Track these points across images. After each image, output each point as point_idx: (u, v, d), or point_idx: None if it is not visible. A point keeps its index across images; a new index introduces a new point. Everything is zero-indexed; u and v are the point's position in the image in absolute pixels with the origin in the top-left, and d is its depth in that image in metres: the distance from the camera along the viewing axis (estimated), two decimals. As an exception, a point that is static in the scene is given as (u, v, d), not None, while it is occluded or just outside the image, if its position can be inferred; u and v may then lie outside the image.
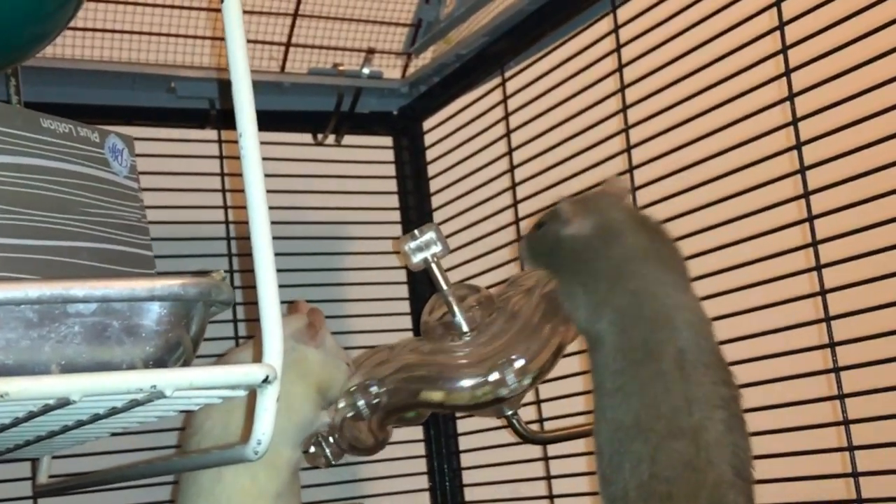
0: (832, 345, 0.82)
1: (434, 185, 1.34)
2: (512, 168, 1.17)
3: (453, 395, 0.97)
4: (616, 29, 1.02)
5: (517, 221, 1.16)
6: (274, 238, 0.61)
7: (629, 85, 1.01)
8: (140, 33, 1.17)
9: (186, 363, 0.67)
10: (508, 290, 1.02)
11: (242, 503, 0.94)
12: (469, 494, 1.28)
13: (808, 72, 0.83)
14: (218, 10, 0.58)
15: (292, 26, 1.23)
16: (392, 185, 1.36)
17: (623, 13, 1.02)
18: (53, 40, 0.83)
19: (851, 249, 0.80)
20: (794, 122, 0.84)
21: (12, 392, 0.53)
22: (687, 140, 0.95)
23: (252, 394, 0.60)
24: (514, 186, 1.17)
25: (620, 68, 1.01)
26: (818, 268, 0.83)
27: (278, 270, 0.61)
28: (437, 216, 1.32)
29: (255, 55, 1.24)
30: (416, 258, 0.99)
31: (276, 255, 0.61)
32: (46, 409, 0.59)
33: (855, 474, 0.80)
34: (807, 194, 0.84)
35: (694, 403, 0.74)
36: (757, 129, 0.88)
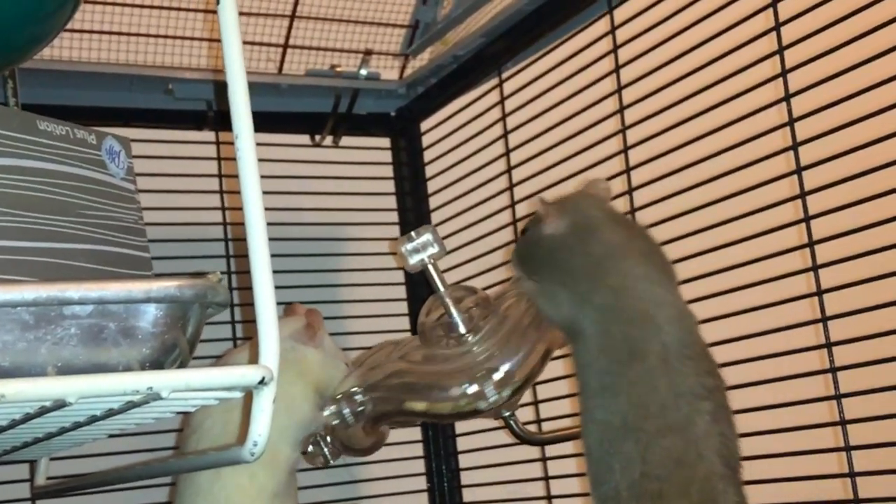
0: (829, 345, 0.82)
1: (431, 186, 1.34)
2: (509, 169, 1.17)
3: (436, 406, 0.98)
4: (613, 30, 1.02)
5: (515, 222, 1.16)
6: (271, 239, 0.61)
7: (626, 86, 1.01)
8: (137, 35, 1.17)
9: (183, 365, 0.67)
10: (505, 292, 1.02)
11: (241, 502, 0.94)
12: (467, 495, 1.28)
13: (805, 72, 0.83)
14: (215, 12, 0.59)
15: (289, 28, 1.23)
16: (390, 186, 1.36)
17: (620, 14, 1.02)
18: (51, 42, 0.83)
19: (848, 250, 0.80)
20: (791, 122, 0.84)
21: (9, 394, 0.53)
22: (684, 141, 0.95)
23: (249, 395, 0.60)
24: (511, 187, 1.17)
25: (617, 69, 1.01)
26: (815, 268, 0.83)
27: (276, 272, 0.61)
28: (435, 217, 1.32)
29: (252, 56, 1.24)
30: (413, 260, 1.00)
31: (274, 256, 0.61)
32: (43, 411, 0.60)
33: (852, 474, 0.80)
34: (803, 195, 0.84)
35: (680, 397, 0.74)
36: (753, 129, 0.88)
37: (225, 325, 1.18)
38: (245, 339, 1.18)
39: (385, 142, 1.37)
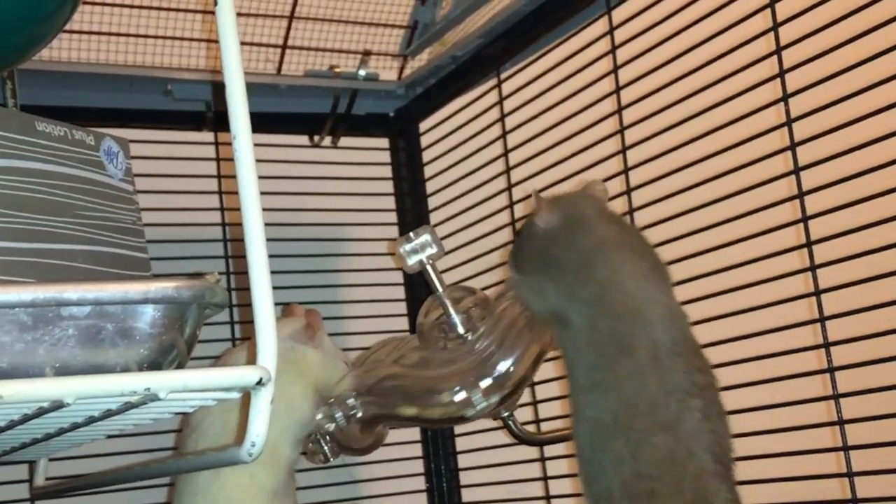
0: (827, 345, 0.82)
1: (430, 187, 1.34)
2: (508, 169, 1.17)
3: (427, 411, 0.99)
4: (611, 30, 1.02)
5: (513, 223, 1.16)
6: (270, 240, 0.61)
7: (624, 86, 1.01)
8: (136, 36, 1.17)
9: (181, 365, 0.67)
10: (504, 293, 1.02)
11: (240, 501, 0.94)
12: (466, 495, 1.28)
13: (803, 73, 0.84)
14: (213, 13, 0.59)
15: (288, 28, 1.23)
16: (388, 186, 1.36)
17: (618, 14, 1.02)
18: (49, 43, 0.83)
19: (846, 250, 0.81)
20: (789, 122, 0.84)
21: (6, 395, 0.53)
22: (682, 141, 0.95)
23: (247, 395, 0.60)
24: (510, 188, 1.17)
25: (616, 69, 1.01)
26: (812, 268, 0.83)
27: (275, 272, 0.61)
28: (434, 218, 1.32)
29: (251, 57, 1.24)
30: (412, 260, 1.00)
31: (273, 256, 0.61)
32: (41, 412, 0.60)
33: (850, 474, 0.80)
34: (801, 195, 0.84)
35: (670, 394, 0.74)
36: (751, 129, 0.88)
37: (223, 326, 1.18)
38: (244, 339, 1.18)
39: (384, 142, 1.37)
